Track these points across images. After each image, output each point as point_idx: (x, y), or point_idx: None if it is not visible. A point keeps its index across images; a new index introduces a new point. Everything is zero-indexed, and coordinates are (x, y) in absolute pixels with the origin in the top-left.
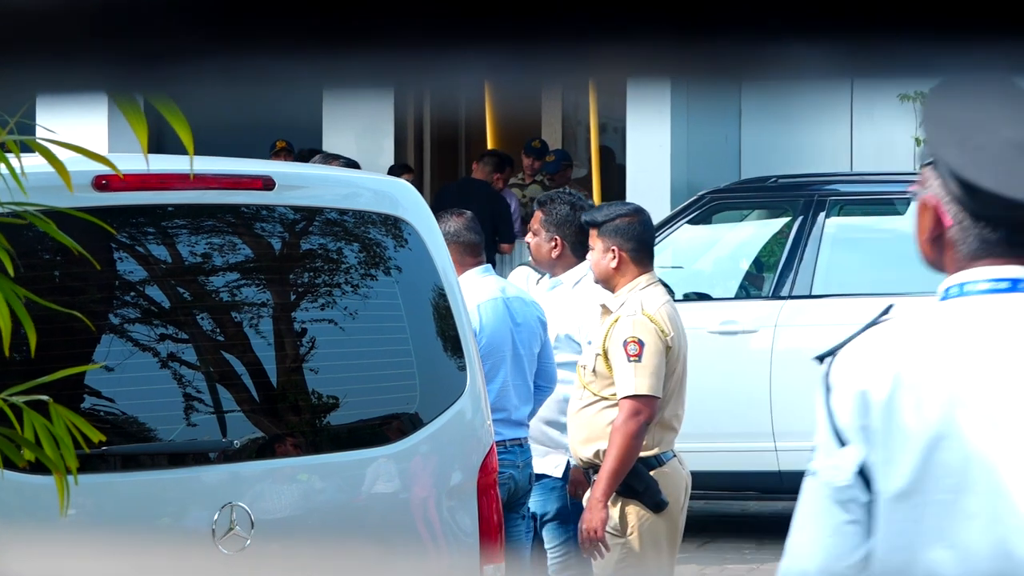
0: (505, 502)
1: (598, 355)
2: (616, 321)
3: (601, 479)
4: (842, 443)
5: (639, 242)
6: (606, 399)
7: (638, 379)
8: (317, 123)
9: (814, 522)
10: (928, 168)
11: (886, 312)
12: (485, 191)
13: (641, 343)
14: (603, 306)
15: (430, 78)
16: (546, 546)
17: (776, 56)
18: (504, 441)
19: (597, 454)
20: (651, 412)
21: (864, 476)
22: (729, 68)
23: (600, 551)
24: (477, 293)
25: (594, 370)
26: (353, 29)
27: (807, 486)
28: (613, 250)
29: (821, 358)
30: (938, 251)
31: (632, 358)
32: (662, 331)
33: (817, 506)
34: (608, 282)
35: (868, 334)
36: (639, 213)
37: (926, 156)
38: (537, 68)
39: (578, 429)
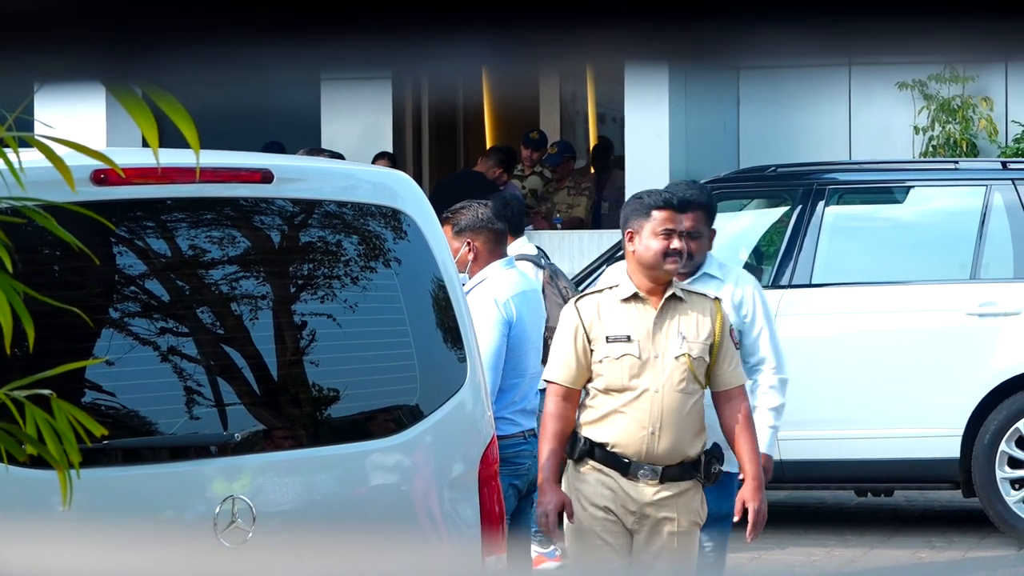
0: (524, 491)
1: (711, 345)
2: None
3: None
4: None
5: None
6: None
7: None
8: (316, 112)
9: None
10: None
11: None
12: (481, 183)
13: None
14: (716, 299)
15: (428, 64)
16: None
17: (773, 40)
18: (523, 432)
19: (713, 446)
20: None
21: None
22: (726, 52)
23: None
24: (507, 286)
25: (704, 360)
26: (351, 15)
27: None
28: None
29: None
30: None
31: (737, 346)
32: None
33: None
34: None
35: None
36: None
37: None
38: (534, 53)
39: (690, 423)
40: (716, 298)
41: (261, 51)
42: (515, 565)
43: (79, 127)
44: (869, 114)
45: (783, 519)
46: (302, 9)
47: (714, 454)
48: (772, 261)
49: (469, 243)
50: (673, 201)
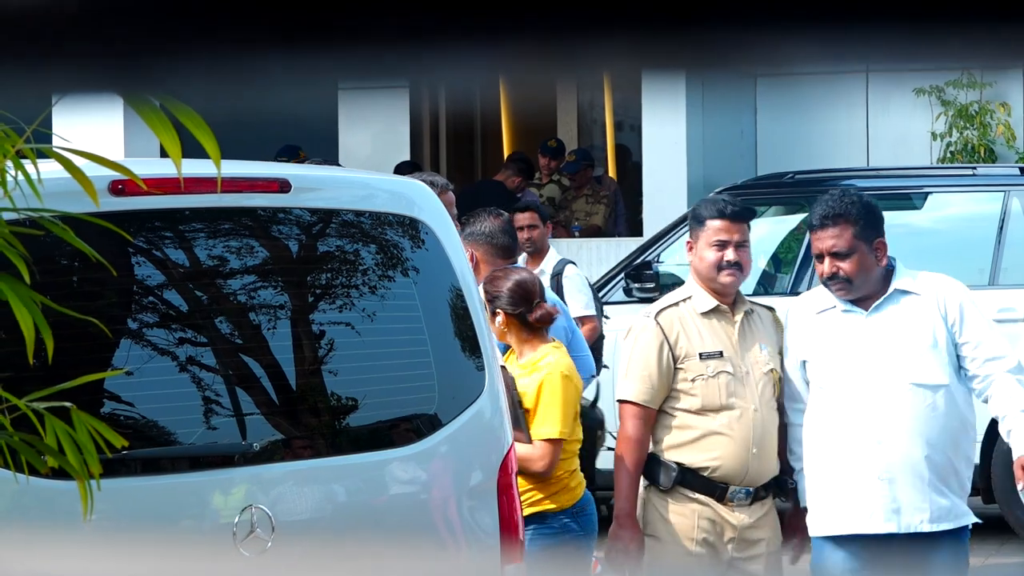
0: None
1: (780, 358)
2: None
3: None
4: None
5: None
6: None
7: None
8: (333, 122)
9: None
10: None
11: None
12: (498, 192)
13: None
14: (770, 308)
15: (445, 72)
16: None
17: (789, 46)
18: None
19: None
20: None
21: None
22: (741, 59)
23: None
24: None
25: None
26: (367, 24)
27: None
28: None
29: None
30: None
31: None
32: None
33: None
34: None
35: None
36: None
37: None
38: (550, 61)
39: (776, 440)
40: (770, 308)
41: (277, 60)
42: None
43: (97, 138)
44: (887, 120)
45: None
46: (317, 17)
47: (783, 469)
48: (790, 268)
49: (471, 251)
50: (727, 210)
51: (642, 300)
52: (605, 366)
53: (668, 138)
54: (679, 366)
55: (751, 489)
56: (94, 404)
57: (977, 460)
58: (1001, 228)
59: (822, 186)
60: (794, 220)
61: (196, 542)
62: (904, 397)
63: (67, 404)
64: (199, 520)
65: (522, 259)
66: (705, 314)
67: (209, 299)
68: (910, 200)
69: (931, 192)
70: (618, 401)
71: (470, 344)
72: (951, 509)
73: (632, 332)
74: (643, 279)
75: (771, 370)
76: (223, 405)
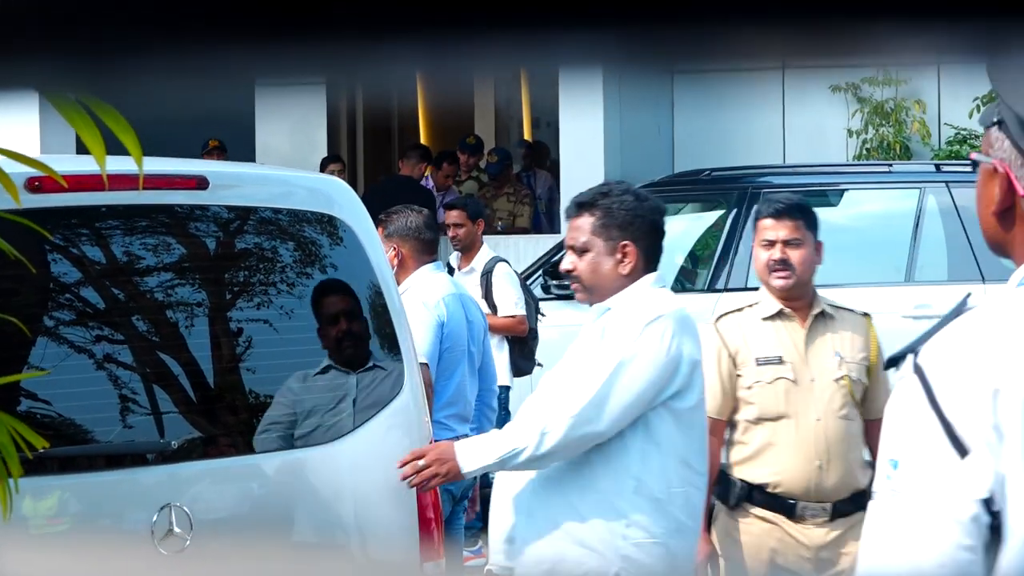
0: (459, 496)
1: (867, 367)
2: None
3: None
4: (963, 451)
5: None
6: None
7: None
8: (250, 117)
9: (918, 554)
10: (994, 129)
11: (964, 302)
12: (411, 186)
13: None
14: (866, 314)
15: (362, 69)
16: None
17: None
18: (458, 437)
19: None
20: None
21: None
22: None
23: None
24: (435, 288)
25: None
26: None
27: (890, 506)
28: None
29: (895, 360)
30: (1007, 226)
31: None
32: None
33: (919, 532)
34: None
35: (967, 324)
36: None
37: (990, 117)
38: (469, 57)
39: (858, 452)
40: (866, 313)
41: (195, 57)
42: (452, 571)
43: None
44: (803, 117)
45: None
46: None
47: None
48: (708, 265)
49: (395, 248)
50: (772, 208)
51: (559, 297)
52: (539, 364)
53: (585, 134)
54: (738, 372)
55: (826, 506)
56: (11, 402)
57: None
58: (917, 225)
59: (738, 183)
60: (711, 217)
61: (114, 541)
62: None
63: None
64: (117, 519)
65: (454, 257)
66: (769, 318)
67: (127, 296)
68: (826, 197)
69: (847, 189)
70: None
71: (389, 341)
72: None
73: None
74: (561, 276)
75: (843, 377)
76: (140, 403)
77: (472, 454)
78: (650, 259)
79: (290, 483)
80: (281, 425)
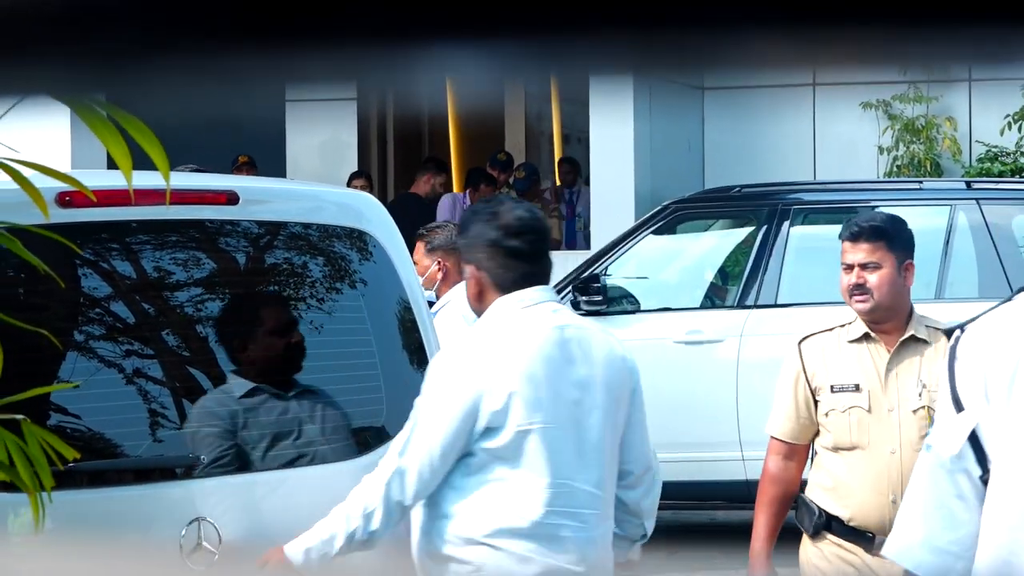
0: None
1: (933, 393)
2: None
3: None
4: (959, 408)
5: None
6: None
7: None
8: (280, 132)
9: (921, 494)
10: None
11: (1018, 292)
12: (417, 204)
13: None
14: (923, 336)
15: (391, 75)
16: None
17: (740, 52)
18: None
19: None
20: None
21: (978, 448)
22: (692, 64)
23: None
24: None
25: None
26: (315, 28)
27: (921, 460)
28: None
29: (949, 332)
30: None
31: None
32: None
33: (926, 478)
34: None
35: (1000, 311)
36: None
37: None
38: (499, 64)
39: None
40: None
41: (225, 64)
42: None
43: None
44: (834, 134)
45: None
46: (267, 20)
47: None
48: (737, 281)
49: (440, 262)
50: (847, 232)
51: (589, 313)
52: None
53: (616, 150)
54: (817, 398)
55: None
56: (41, 416)
57: None
58: (947, 242)
59: (769, 199)
60: (741, 233)
61: (143, 556)
62: None
63: (19, 416)
64: (145, 533)
65: None
66: (855, 341)
67: (156, 311)
68: (856, 214)
69: (877, 206)
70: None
71: (418, 356)
72: None
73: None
74: (590, 292)
75: (923, 407)
76: (170, 417)
77: None
78: (502, 281)
79: (318, 497)
80: (310, 439)
